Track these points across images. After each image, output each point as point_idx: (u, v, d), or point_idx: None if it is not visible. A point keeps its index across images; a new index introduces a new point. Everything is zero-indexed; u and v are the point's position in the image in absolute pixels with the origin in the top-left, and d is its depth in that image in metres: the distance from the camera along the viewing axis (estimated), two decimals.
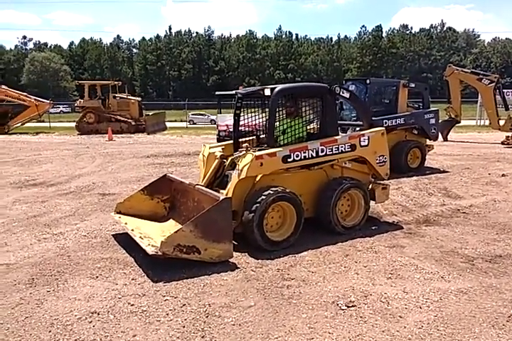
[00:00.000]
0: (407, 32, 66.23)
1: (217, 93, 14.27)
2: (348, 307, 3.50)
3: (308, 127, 5.60)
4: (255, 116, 5.70)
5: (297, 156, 5.01)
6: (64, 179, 9.19)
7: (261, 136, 5.78)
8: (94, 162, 11.64)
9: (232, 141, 5.80)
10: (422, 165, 9.82)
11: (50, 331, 3.18)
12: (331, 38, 67.79)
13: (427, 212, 6.40)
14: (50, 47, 67.36)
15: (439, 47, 62.93)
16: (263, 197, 4.63)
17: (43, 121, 25.35)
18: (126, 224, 5.00)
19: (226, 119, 12.53)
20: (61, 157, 12.67)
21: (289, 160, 4.96)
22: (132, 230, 4.79)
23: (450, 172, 9.62)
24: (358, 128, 7.46)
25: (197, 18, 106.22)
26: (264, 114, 5.57)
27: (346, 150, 5.37)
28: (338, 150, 5.30)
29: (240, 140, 5.69)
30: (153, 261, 4.25)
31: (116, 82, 23.03)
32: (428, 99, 10.52)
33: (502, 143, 14.43)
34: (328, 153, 5.23)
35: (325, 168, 5.42)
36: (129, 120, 21.42)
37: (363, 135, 5.55)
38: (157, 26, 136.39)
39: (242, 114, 5.70)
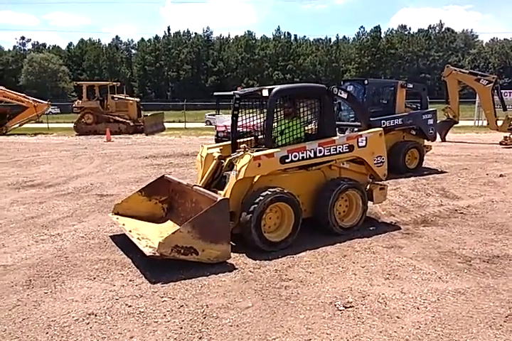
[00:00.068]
0: (406, 32, 66.38)
1: (215, 94, 14.27)
2: (346, 307, 3.50)
3: (306, 128, 5.60)
4: (253, 116, 5.70)
5: (295, 157, 5.01)
6: (62, 180, 9.18)
7: (259, 137, 5.79)
8: (93, 163, 11.62)
9: (230, 142, 5.80)
10: (419, 166, 9.83)
11: (47, 332, 3.18)
12: (330, 39, 67.94)
13: (425, 212, 6.41)
14: (49, 48, 67.32)
15: (438, 48, 63.05)
16: (261, 197, 4.63)
17: (41, 122, 25.29)
18: (123, 225, 4.99)
19: (224, 120, 12.54)
20: (59, 158, 12.65)
21: (286, 160, 4.96)
22: (130, 231, 4.78)
23: (448, 172, 9.64)
24: (356, 129, 7.47)
25: (195, 18, 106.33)
26: (262, 115, 5.58)
27: (344, 150, 5.38)
28: (336, 150, 5.31)
29: (238, 141, 5.69)
30: (151, 262, 4.24)
31: (114, 83, 23.01)
32: (426, 100, 10.53)
33: (500, 143, 14.46)
34: (326, 153, 5.23)
35: (323, 169, 5.42)
36: (128, 121, 21.40)
37: (361, 136, 5.56)
38: (156, 27, 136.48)
39: (240, 115, 5.70)
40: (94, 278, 4.09)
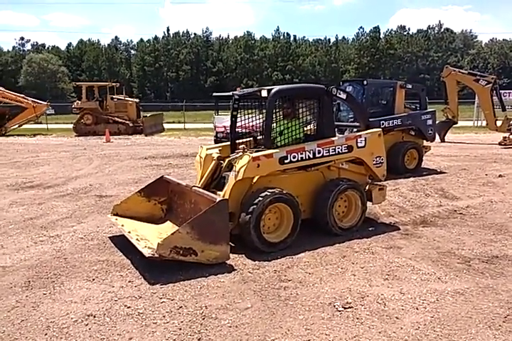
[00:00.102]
0: (405, 33, 66.35)
1: (214, 94, 14.26)
2: (345, 308, 3.50)
3: (305, 128, 5.61)
4: (252, 117, 5.70)
5: (294, 157, 5.01)
6: (61, 181, 9.17)
7: (258, 138, 5.78)
8: (92, 164, 11.62)
9: (229, 143, 5.80)
10: (419, 166, 9.84)
11: (45, 334, 3.17)
12: (329, 39, 67.88)
13: (424, 212, 6.41)
14: (48, 48, 67.23)
15: (437, 48, 63.05)
16: (260, 198, 4.63)
17: (41, 123, 25.27)
18: (122, 226, 4.99)
19: (224, 121, 12.52)
20: (58, 159, 12.64)
21: (285, 161, 4.96)
22: (129, 232, 4.78)
23: (447, 173, 9.64)
24: (355, 130, 7.47)
25: (195, 19, 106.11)
26: (261, 116, 5.57)
27: (343, 151, 5.38)
28: (335, 151, 5.31)
29: (237, 141, 5.69)
30: (150, 263, 4.24)
31: (113, 84, 22.99)
32: (425, 100, 10.54)
33: (499, 143, 14.46)
34: (325, 154, 5.23)
35: (322, 169, 5.43)
36: (127, 121, 21.37)
37: (360, 136, 5.56)
38: (155, 27, 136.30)
39: (239, 116, 5.70)
40: (93, 280, 4.09)
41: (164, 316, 3.40)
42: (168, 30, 66.61)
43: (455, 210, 6.51)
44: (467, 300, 3.64)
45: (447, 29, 67.18)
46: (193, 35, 66.60)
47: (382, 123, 9.03)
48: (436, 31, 67.44)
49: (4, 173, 10.22)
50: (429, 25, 68.19)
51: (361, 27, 74.92)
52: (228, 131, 6.00)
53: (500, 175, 9.05)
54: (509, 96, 22.26)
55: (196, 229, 4.14)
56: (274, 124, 5.42)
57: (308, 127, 5.68)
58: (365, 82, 9.48)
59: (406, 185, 8.39)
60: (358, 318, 3.35)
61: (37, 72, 55.10)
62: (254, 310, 3.50)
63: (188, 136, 20.11)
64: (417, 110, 10.29)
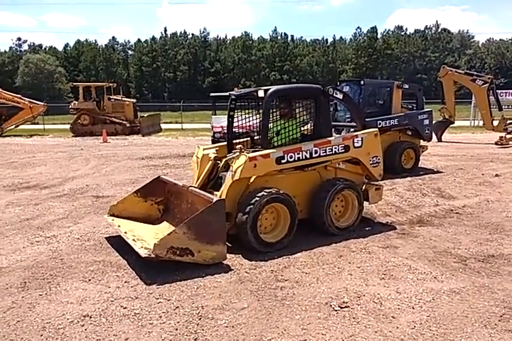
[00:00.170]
0: (402, 33, 66.47)
1: (211, 94, 14.27)
2: (341, 308, 3.51)
3: (302, 128, 5.61)
4: (249, 117, 5.70)
5: (291, 157, 5.02)
6: (57, 181, 9.15)
7: (255, 138, 5.79)
8: (89, 164, 11.59)
9: (226, 143, 5.80)
10: (415, 166, 9.86)
11: (41, 335, 3.17)
12: (327, 40, 67.90)
13: (421, 212, 6.43)
14: (45, 49, 67.01)
15: (434, 49, 63.17)
16: (257, 198, 4.63)
17: (37, 123, 25.22)
18: (119, 226, 4.98)
19: (221, 121, 12.52)
20: (55, 159, 12.61)
21: (282, 161, 4.97)
22: (125, 233, 4.77)
23: (444, 172, 9.67)
24: (352, 130, 7.49)
25: (192, 19, 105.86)
26: (258, 116, 5.58)
27: (340, 151, 5.39)
28: (331, 151, 5.32)
29: (234, 141, 5.69)
30: (147, 264, 4.23)
31: (111, 84, 22.94)
32: (422, 100, 10.57)
33: (496, 143, 14.52)
34: (321, 154, 5.24)
35: (318, 169, 5.43)
36: (124, 122, 21.33)
37: (357, 136, 5.57)
38: (152, 28, 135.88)
39: (236, 116, 5.71)
40: (90, 280, 4.08)
41: (161, 316, 3.40)
42: (165, 30, 66.53)
43: (451, 210, 6.52)
44: (463, 299, 3.65)
45: (444, 29, 67.34)
46: (190, 36, 66.52)
47: (379, 123, 9.05)
48: (433, 31, 67.60)
49: (0, 174, 10.19)
50: (426, 26, 68.36)
51: (359, 27, 75.08)
52: (226, 131, 6.00)
53: (496, 175, 9.08)
54: (506, 96, 22.30)
55: (193, 230, 4.14)
56: (271, 124, 5.42)
57: (305, 127, 5.69)
58: (362, 82, 9.50)
59: (403, 184, 8.41)
60: (354, 318, 3.36)
61: (34, 73, 54.91)
62: (250, 310, 3.50)
63: (186, 137, 20.08)
64: (413, 110, 10.32)
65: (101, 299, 3.69)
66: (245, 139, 5.80)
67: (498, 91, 17.77)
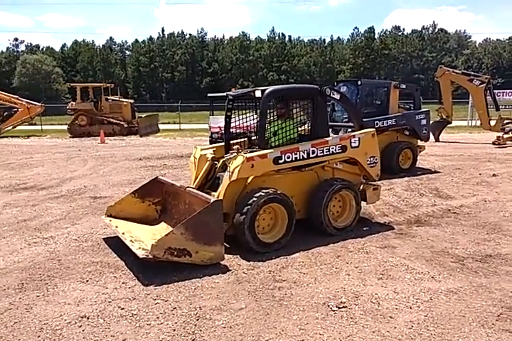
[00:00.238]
0: (399, 33, 66.63)
1: (209, 95, 14.24)
2: (339, 308, 3.51)
3: (299, 128, 5.61)
4: (246, 117, 5.70)
5: (288, 158, 5.02)
6: (55, 182, 9.13)
7: (252, 138, 5.79)
8: (86, 165, 11.57)
9: (223, 143, 5.79)
10: (413, 166, 9.88)
11: (39, 336, 3.16)
12: (324, 40, 67.98)
13: (418, 212, 6.44)
14: (42, 49, 66.86)
15: (431, 49, 63.35)
16: (254, 198, 4.63)
17: (35, 124, 25.16)
18: (116, 227, 4.97)
19: (219, 121, 12.50)
20: (52, 160, 12.58)
21: (280, 161, 4.97)
22: (123, 233, 4.76)
23: (441, 172, 9.69)
24: (349, 130, 7.50)
25: (190, 20, 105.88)
26: (255, 116, 5.58)
27: (337, 151, 5.39)
28: (328, 151, 5.32)
29: (232, 142, 5.69)
30: (144, 265, 4.23)
31: (108, 84, 22.89)
32: (419, 100, 10.59)
33: (493, 143, 14.56)
34: (319, 154, 5.24)
35: (316, 170, 5.43)
36: (122, 122, 21.30)
37: (354, 136, 5.58)
38: (150, 28, 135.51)
39: (233, 116, 5.70)
40: (87, 281, 4.07)
41: (158, 317, 3.39)
42: (163, 30, 66.53)
43: (449, 209, 6.54)
44: (460, 299, 3.66)
45: (441, 29, 67.53)
46: (188, 36, 66.52)
47: (377, 123, 9.07)
48: (430, 31, 67.77)
49: None
50: (423, 26, 68.58)
51: (356, 27, 75.23)
52: (223, 131, 5.99)
53: (494, 175, 9.11)
54: (503, 95, 22.39)
55: (190, 230, 4.14)
56: (269, 125, 5.42)
57: (303, 127, 5.69)
58: (359, 83, 9.51)
59: (400, 184, 8.42)
60: (351, 318, 3.36)
61: (31, 73, 54.78)
62: (248, 310, 3.50)
63: (184, 137, 20.07)
64: (411, 110, 10.34)
65: (98, 300, 3.68)
66: (243, 139, 5.80)
67: (495, 91, 17.83)
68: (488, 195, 7.38)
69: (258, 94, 5.10)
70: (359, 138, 5.58)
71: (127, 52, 70.44)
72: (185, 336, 3.13)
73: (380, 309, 3.49)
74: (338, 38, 71.47)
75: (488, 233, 5.42)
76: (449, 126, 16.71)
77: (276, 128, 5.45)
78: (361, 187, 5.85)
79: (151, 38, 66.14)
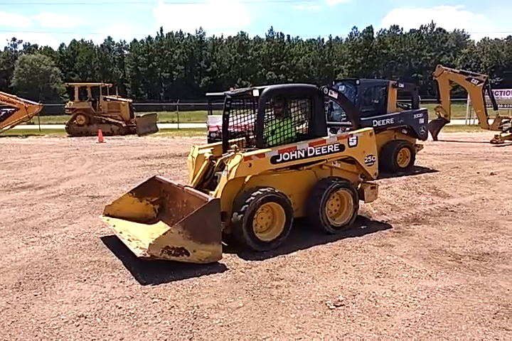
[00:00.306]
0: (398, 33, 66.62)
1: (207, 94, 14.23)
2: (337, 306, 3.51)
3: (297, 128, 5.62)
4: (244, 117, 5.70)
5: (286, 157, 5.02)
6: (53, 182, 9.11)
7: (250, 137, 5.79)
8: (84, 164, 11.56)
9: (221, 142, 5.80)
10: (411, 165, 9.90)
11: (36, 335, 3.15)
12: (323, 39, 68.01)
13: (416, 211, 6.45)
14: (40, 49, 66.66)
15: (430, 48, 63.35)
16: (252, 197, 4.64)
17: (33, 124, 25.11)
18: (114, 226, 4.97)
19: (217, 120, 12.51)
20: (50, 159, 12.56)
21: (277, 160, 4.97)
22: (121, 233, 4.76)
23: (439, 171, 9.70)
24: (347, 129, 7.50)
25: (188, 19, 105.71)
26: (253, 115, 5.57)
27: (335, 150, 5.40)
28: (326, 150, 5.32)
29: (230, 141, 5.69)
30: (142, 264, 4.23)
31: (106, 84, 22.89)
32: (417, 99, 10.61)
33: (491, 142, 14.60)
34: (316, 153, 5.25)
35: (314, 168, 5.44)
36: (120, 122, 21.28)
37: (352, 135, 5.58)
38: (148, 28, 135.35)
39: (231, 115, 5.71)
40: (85, 280, 4.07)
41: (156, 316, 3.39)
42: (161, 30, 66.36)
43: (447, 208, 6.55)
44: (458, 297, 3.67)
45: (440, 29, 67.54)
46: (186, 36, 66.41)
47: (375, 123, 9.09)
48: (428, 31, 67.78)
49: None
50: (421, 25, 68.56)
51: (355, 27, 75.30)
52: (221, 130, 5.99)
53: (491, 173, 9.13)
54: (501, 95, 22.42)
55: (188, 229, 4.14)
56: (266, 124, 5.42)
57: (301, 126, 5.70)
58: (357, 82, 9.52)
59: (398, 183, 8.44)
60: (349, 316, 3.37)
61: (29, 73, 54.63)
62: (245, 309, 3.50)
63: (182, 136, 20.06)
64: (409, 109, 10.35)
65: (96, 299, 3.68)
66: (240, 139, 5.80)
67: (494, 90, 17.87)
68: (486, 194, 7.40)
69: (256, 93, 5.10)
70: (357, 137, 5.59)
71: (126, 52, 70.29)
72: (183, 335, 3.13)
73: (378, 307, 3.49)
74: (337, 37, 71.50)
75: (485, 231, 5.43)
76: (447, 124, 16.73)
77: (274, 127, 5.45)
78: (359, 186, 5.86)
79: (149, 38, 66.03)
